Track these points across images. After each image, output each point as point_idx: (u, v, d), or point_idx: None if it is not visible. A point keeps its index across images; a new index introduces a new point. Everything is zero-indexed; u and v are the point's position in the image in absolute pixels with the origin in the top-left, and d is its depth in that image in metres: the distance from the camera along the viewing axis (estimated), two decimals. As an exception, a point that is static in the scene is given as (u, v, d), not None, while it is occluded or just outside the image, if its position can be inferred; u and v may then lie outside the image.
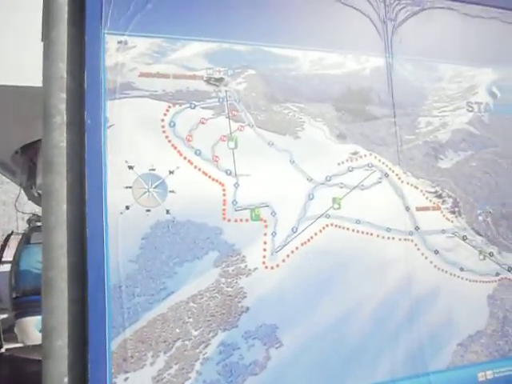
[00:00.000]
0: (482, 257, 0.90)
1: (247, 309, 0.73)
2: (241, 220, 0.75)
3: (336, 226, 0.80)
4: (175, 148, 0.74)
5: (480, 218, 0.91)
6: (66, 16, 0.71)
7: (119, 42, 0.71)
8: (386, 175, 0.84)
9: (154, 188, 0.72)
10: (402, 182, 0.86)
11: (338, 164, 0.82)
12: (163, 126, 0.74)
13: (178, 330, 0.70)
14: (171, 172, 0.73)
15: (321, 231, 0.79)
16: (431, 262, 0.86)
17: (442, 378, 0.84)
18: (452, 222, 0.88)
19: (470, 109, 0.94)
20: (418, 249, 0.85)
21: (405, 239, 0.84)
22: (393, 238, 0.83)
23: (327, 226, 0.79)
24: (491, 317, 0.89)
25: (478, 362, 0.87)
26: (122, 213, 0.67)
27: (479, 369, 0.87)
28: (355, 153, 0.83)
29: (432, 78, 0.93)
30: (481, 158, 0.93)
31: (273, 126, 0.79)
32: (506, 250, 0.92)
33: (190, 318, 0.71)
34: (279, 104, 0.80)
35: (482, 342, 0.88)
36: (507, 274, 0.91)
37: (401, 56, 0.90)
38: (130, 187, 0.68)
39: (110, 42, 0.71)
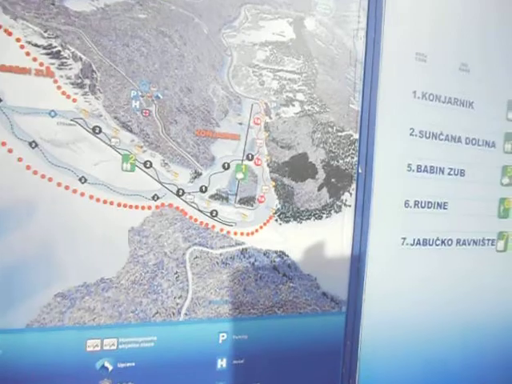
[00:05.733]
0: (128, 166, 0.62)
1: None
2: None
3: None
4: None
5: (135, 103, 0.62)
6: None
7: None
8: None
9: None
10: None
11: None
12: None
13: None
14: None
15: None
16: (23, 161, 0.57)
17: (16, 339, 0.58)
18: (75, 101, 0.60)
19: None
20: (-5, 132, 0.57)
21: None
22: None
23: None
24: (133, 261, 0.63)
25: (91, 325, 0.61)
26: None
27: (87, 336, 0.61)
28: None
29: None
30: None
31: None
32: (177, 163, 0.65)
33: None
34: None
35: (106, 296, 0.61)
36: (174, 198, 0.65)
37: None
38: None
39: None
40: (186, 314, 0.70)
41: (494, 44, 0.91)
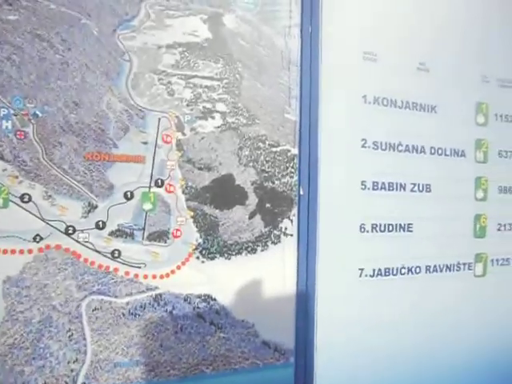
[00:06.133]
0: (0, 201, 0.49)
1: None
2: None
3: None
4: None
5: (6, 124, 0.50)
6: None
7: None
8: None
9: None
10: None
11: None
12: None
13: None
14: None
15: None
16: None
17: None
18: None
19: None
20: None
21: None
22: None
23: None
24: (10, 319, 0.50)
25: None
26: None
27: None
28: None
29: None
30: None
31: None
32: (65, 194, 0.53)
33: None
34: None
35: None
36: (62, 238, 0.52)
37: None
38: None
39: None
40: (84, 383, 0.56)
41: (456, 38, 0.80)
